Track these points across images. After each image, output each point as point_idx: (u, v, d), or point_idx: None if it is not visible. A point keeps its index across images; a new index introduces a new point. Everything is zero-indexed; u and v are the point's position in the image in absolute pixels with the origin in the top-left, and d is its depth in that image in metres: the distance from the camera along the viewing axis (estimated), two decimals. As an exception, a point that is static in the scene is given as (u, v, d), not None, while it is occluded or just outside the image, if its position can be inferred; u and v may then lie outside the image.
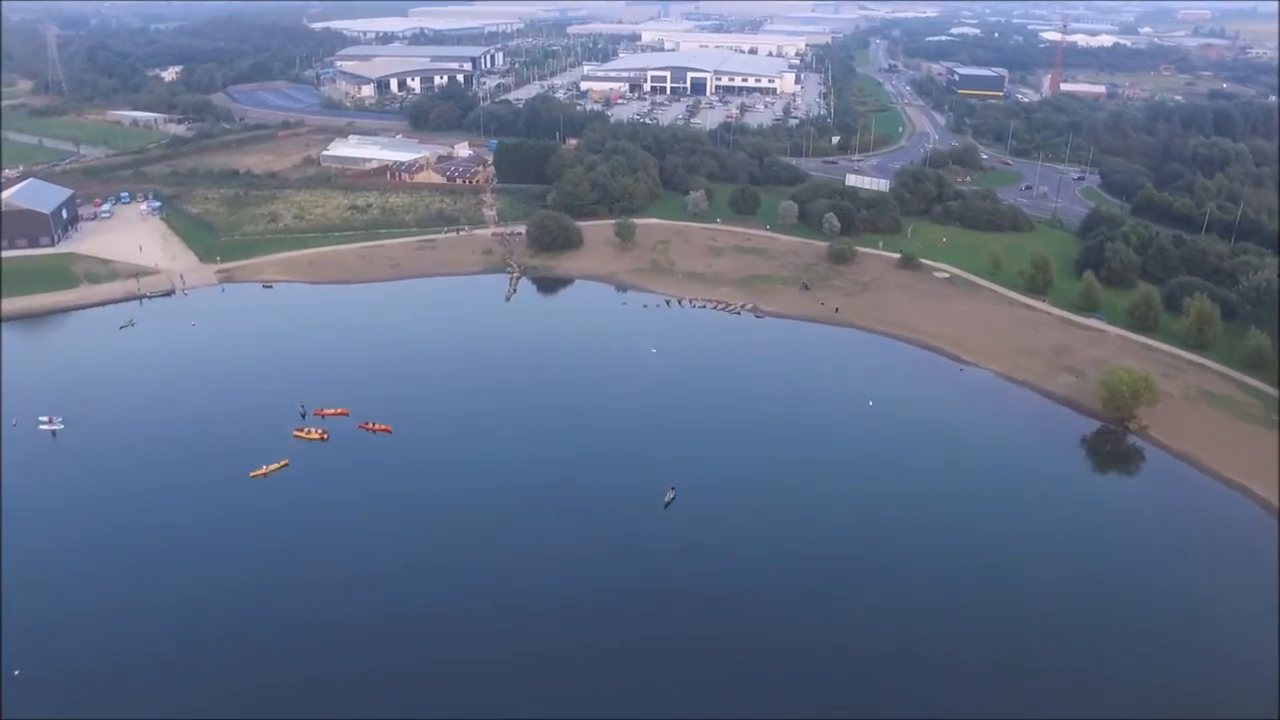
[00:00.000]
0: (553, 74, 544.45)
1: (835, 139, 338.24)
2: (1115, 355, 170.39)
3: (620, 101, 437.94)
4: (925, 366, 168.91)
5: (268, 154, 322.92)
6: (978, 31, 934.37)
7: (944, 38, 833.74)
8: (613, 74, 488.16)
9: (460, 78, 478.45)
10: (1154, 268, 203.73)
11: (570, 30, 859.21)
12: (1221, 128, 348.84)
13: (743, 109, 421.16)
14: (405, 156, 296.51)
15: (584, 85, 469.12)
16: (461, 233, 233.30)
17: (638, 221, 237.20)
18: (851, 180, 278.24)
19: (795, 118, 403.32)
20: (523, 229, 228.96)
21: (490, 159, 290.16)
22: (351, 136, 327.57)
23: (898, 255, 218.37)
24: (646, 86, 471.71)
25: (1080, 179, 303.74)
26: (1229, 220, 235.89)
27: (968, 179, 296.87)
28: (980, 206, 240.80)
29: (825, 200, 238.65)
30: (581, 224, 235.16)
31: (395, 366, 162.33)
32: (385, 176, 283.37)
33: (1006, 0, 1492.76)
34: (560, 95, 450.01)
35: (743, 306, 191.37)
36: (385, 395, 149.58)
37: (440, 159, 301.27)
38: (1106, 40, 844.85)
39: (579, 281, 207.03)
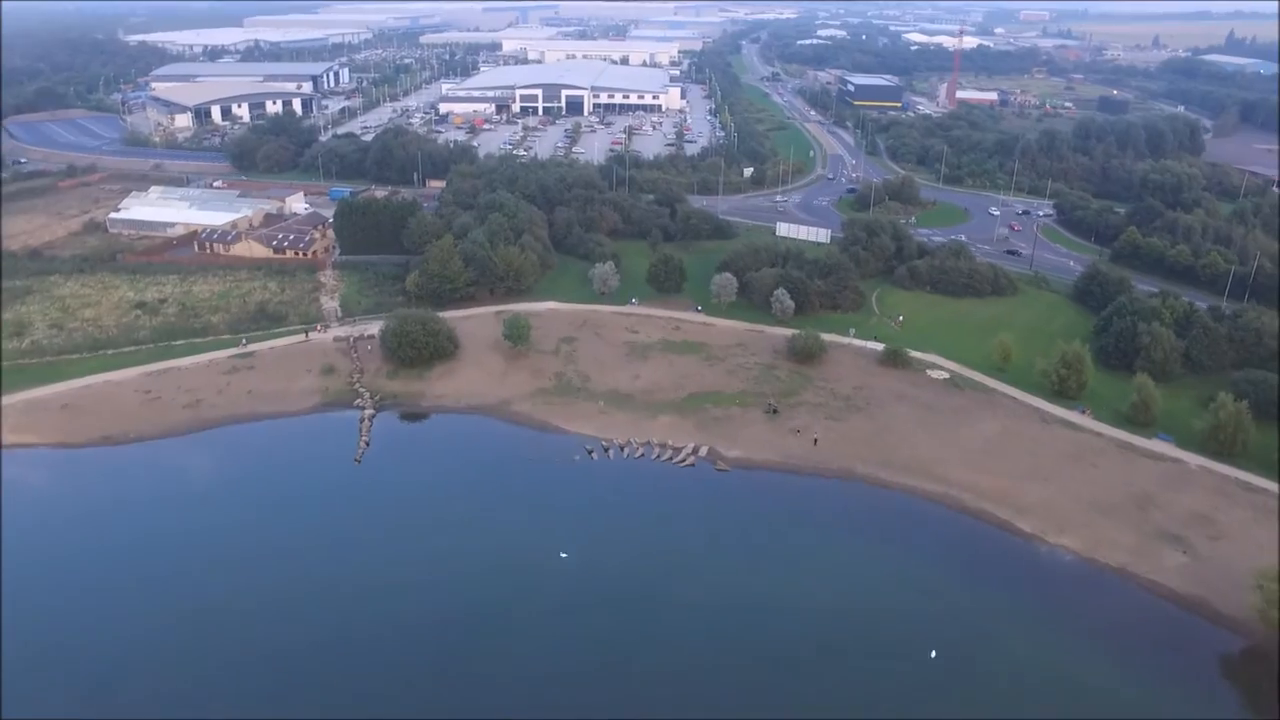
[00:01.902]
0: (406, 92, 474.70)
1: (748, 171, 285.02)
2: (1215, 505, 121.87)
3: (487, 127, 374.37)
4: (974, 547, 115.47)
5: (41, 215, 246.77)
6: (844, 33, 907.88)
7: (815, 41, 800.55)
8: (476, 93, 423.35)
9: (297, 103, 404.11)
10: (1199, 354, 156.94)
11: (424, 40, 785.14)
12: (1153, 145, 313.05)
13: (629, 132, 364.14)
14: (220, 218, 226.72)
15: (444, 108, 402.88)
16: (312, 334, 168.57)
17: (531, 308, 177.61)
18: (784, 230, 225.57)
19: (690, 140, 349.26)
20: (376, 330, 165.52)
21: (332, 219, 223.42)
22: (152, 189, 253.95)
23: (877, 345, 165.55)
24: (515, 107, 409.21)
25: (1027, 213, 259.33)
26: (1224, 270, 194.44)
27: (912, 219, 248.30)
28: (955, 268, 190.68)
29: (769, 269, 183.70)
30: (455, 314, 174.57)
31: (157, 634, 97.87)
32: (192, 248, 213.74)
33: (859, 1, 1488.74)
34: (416, 120, 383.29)
35: (695, 452, 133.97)
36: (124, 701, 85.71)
37: (267, 219, 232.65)
38: (969, 43, 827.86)
39: (457, 417, 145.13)
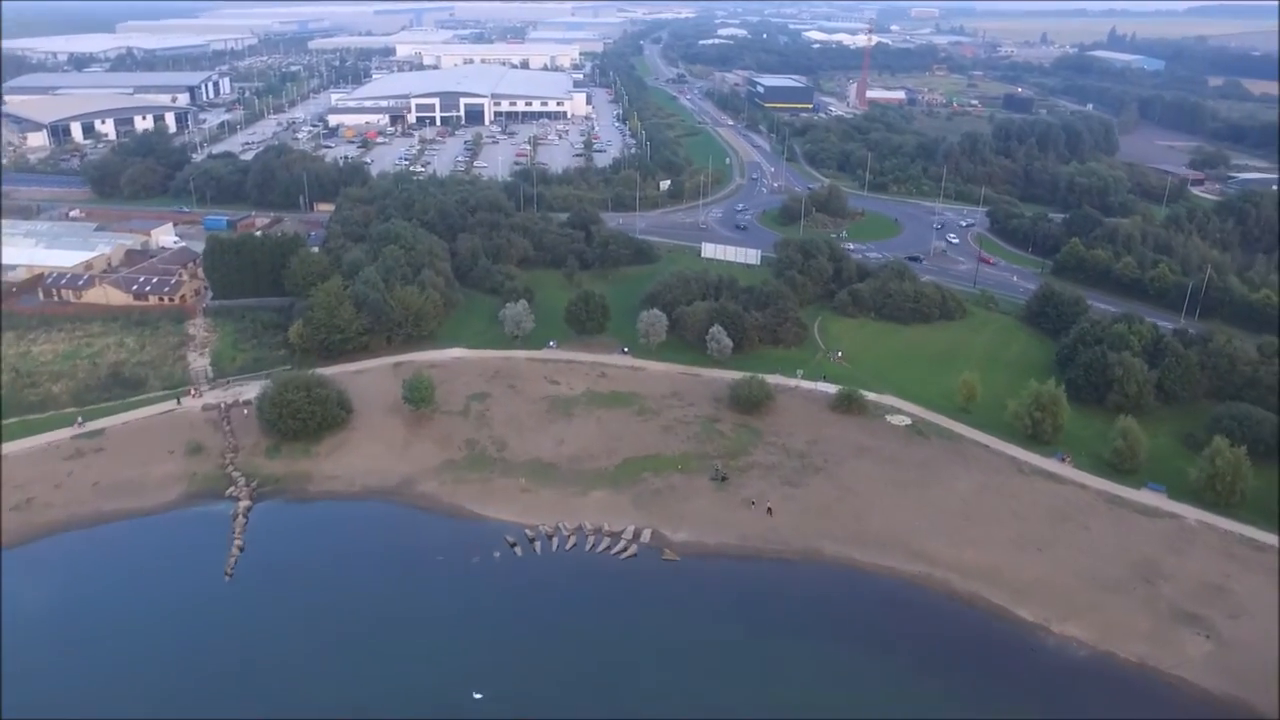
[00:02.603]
0: (293, 103, 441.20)
1: (664, 184, 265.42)
2: (1227, 572, 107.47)
3: (381, 140, 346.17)
4: (971, 642, 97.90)
5: None
6: (745, 33, 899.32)
7: (717, 40, 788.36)
8: (368, 103, 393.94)
9: (171, 118, 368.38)
10: (1173, 384, 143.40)
11: (313, 45, 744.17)
12: (1072, 145, 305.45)
13: (534, 143, 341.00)
14: (72, 257, 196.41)
15: (334, 120, 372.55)
16: (185, 400, 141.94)
17: (435, 357, 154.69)
18: (710, 252, 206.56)
19: (600, 150, 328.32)
20: (254, 393, 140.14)
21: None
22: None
23: (828, 386, 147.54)
24: (411, 117, 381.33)
25: (971, 225, 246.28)
26: (1173, 284, 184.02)
27: (843, 233, 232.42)
28: (900, 291, 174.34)
29: (701, 303, 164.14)
30: (347, 368, 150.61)
31: None
32: (36, 296, 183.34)
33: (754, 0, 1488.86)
34: (304, 134, 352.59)
35: (637, 537, 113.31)
36: None
37: (129, 256, 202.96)
38: (868, 40, 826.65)
39: (352, 505, 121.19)
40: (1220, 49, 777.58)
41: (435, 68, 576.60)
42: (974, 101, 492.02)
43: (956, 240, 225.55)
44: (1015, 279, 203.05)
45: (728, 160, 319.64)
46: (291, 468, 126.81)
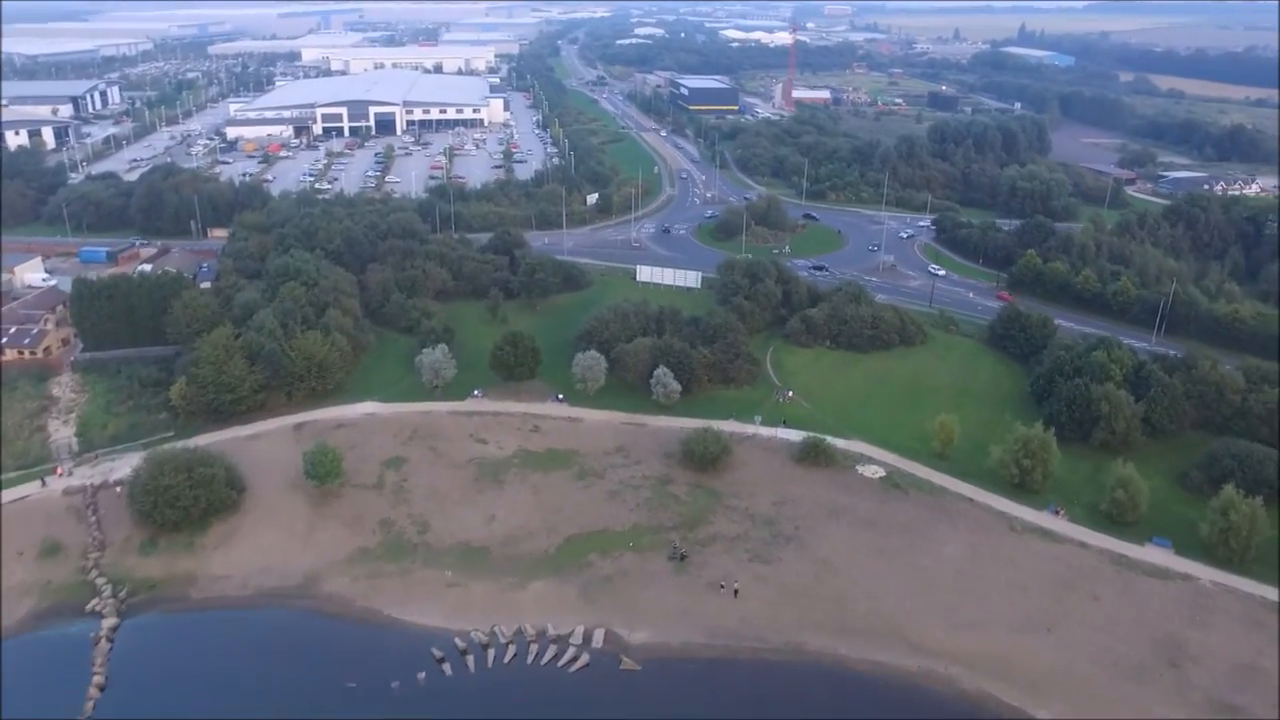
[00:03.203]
0: (189, 114, 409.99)
1: (591, 198, 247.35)
2: (1258, 649, 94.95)
3: (284, 154, 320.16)
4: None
5: None
6: (662, 32, 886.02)
7: (635, 40, 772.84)
8: (270, 113, 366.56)
9: (49, 132, 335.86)
10: (1160, 417, 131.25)
11: (213, 51, 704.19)
12: (1008, 147, 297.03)
13: (450, 154, 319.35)
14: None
15: (232, 132, 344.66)
16: (49, 480, 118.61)
17: (343, 414, 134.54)
18: (646, 275, 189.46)
19: (520, 160, 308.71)
20: (128, 471, 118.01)
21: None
22: None
23: (789, 432, 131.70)
24: (317, 128, 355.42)
25: (905, 232, 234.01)
26: (1136, 298, 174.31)
27: (785, 248, 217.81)
28: (856, 316, 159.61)
29: (642, 340, 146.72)
30: (240, 432, 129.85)
31: None
32: None
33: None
34: (199, 149, 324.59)
35: (588, 641, 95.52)
36: None
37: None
38: (785, 39, 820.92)
39: (246, 615, 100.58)
40: (1123, 45, 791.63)
41: (344, 73, 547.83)
42: (898, 100, 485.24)
43: (893, 259, 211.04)
44: (971, 295, 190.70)
45: (656, 169, 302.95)
46: (171, 568, 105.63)
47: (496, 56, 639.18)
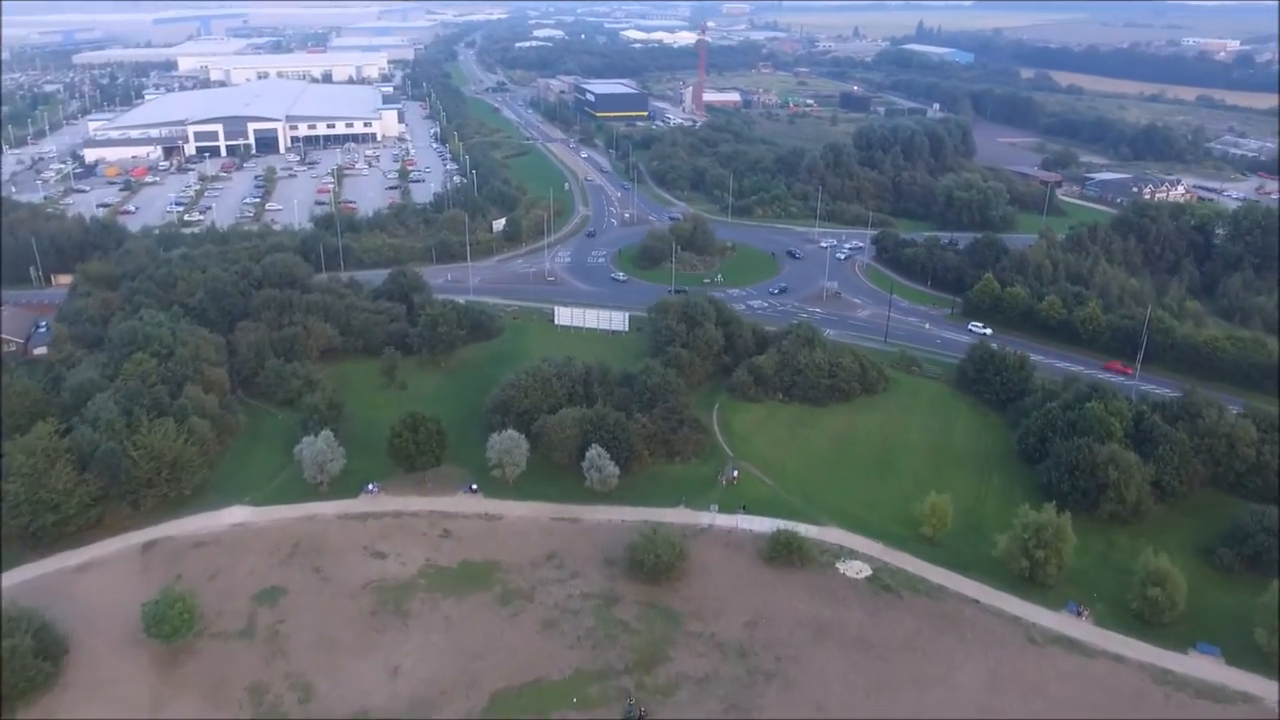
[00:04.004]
0: (42, 134, 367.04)
1: (498, 224, 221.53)
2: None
3: (151, 179, 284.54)
4: None
5: None
6: (561, 33, 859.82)
7: (535, 43, 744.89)
8: (135, 132, 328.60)
9: None
10: (1171, 479, 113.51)
11: (78, 60, 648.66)
12: (935, 151, 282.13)
13: (339, 174, 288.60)
14: None
15: (91, 155, 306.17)
16: None
17: (206, 527, 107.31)
18: (565, 318, 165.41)
19: (418, 179, 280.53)
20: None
21: None
22: None
23: (751, 521, 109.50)
24: (190, 148, 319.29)
25: (843, 251, 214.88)
26: (1107, 326, 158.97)
27: (717, 277, 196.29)
28: (811, 363, 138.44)
29: (569, 411, 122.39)
30: (67, 562, 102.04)
31: None
32: None
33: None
34: (51, 175, 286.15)
35: None
36: None
37: None
38: (687, 38, 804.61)
39: None
40: (1018, 42, 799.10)
41: (224, 84, 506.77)
42: (810, 101, 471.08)
43: (836, 285, 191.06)
44: (927, 326, 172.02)
45: (566, 185, 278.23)
46: (-51, 787, 77.17)
47: (390, 63, 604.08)
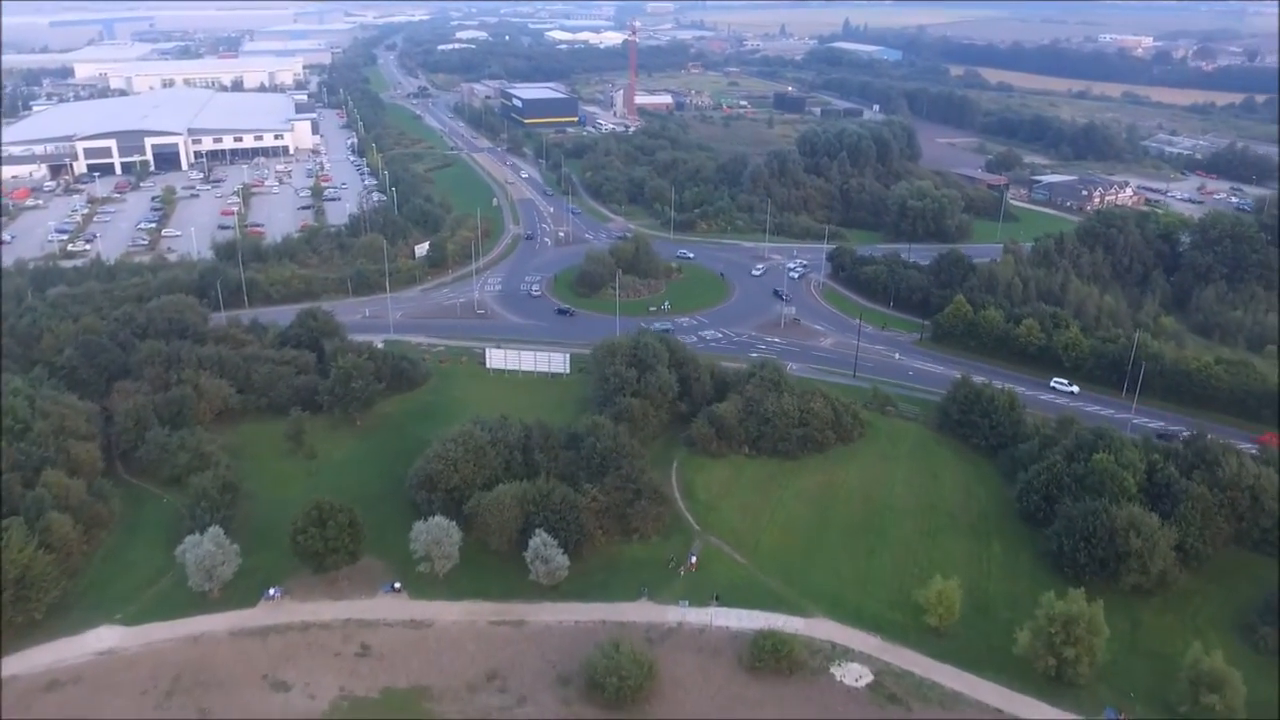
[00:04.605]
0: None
1: (421, 248, 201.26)
2: None
3: (33, 202, 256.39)
4: None
5: None
6: (485, 35, 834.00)
7: (457, 45, 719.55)
8: (18, 148, 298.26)
9: None
10: (1195, 541, 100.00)
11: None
12: (882, 156, 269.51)
13: (246, 194, 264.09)
14: None
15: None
16: None
17: (64, 657, 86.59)
18: (499, 360, 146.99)
19: (333, 196, 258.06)
20: None
21: None
22: None
23: (726, 615, 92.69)
24: (80, 166, 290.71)
25: (796, 271, 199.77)
26: (1090, 351, 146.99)
27: (664, 305, 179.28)
28: (780, 411, 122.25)
29: (506, 487, 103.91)
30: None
31: None
32: None
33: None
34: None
35: None
36: None
37: None
38: (613, 38, 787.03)
39: None
40: (944, 39, 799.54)
41: (124, 93, 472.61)
42: (743, 102, 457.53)
43: (794, 309, 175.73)
44: (898, 356, 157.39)
45: (495, 200, 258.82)
46: None
47: (306, 68, 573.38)
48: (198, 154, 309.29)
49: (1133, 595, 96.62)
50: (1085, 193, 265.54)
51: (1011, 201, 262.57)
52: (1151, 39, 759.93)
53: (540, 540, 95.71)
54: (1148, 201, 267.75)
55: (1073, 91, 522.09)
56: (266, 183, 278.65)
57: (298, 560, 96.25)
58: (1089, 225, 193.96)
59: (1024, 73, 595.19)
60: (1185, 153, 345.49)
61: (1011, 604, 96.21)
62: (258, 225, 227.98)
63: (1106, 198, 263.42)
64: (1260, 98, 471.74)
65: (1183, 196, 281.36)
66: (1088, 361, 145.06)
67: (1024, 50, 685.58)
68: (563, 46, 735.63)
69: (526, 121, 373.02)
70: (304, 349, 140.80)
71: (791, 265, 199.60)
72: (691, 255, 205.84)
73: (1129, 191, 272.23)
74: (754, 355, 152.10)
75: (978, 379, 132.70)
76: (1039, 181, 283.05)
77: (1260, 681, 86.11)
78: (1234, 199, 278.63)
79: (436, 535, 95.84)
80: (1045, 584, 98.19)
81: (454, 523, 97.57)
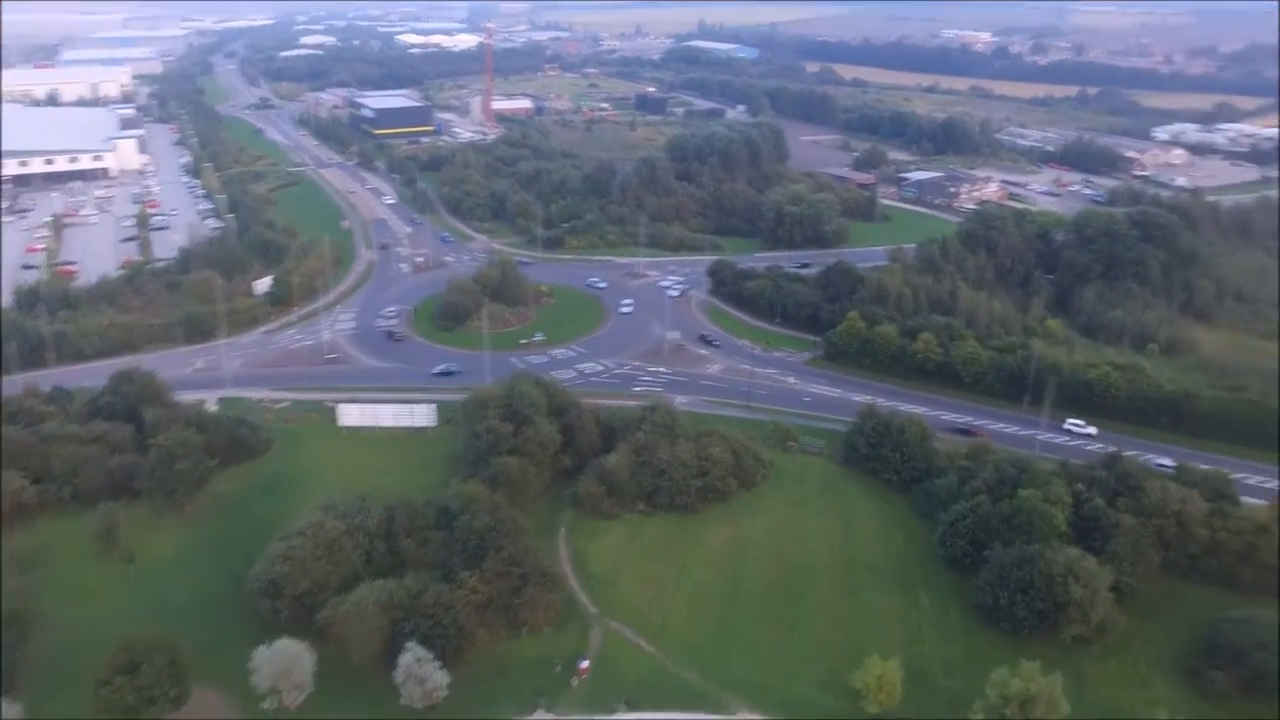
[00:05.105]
0: None
1: (262, 284, 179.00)
2: None
3: None
4: None
5: None
6: (333, 40, 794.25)
7: (302, 51, 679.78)
8: None
9: None
10: (1126, 577, 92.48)
11: None
12: (753, 159, 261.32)
13: (58, 225, 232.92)
14: None
15: None
16: None
17: None
18: (354, 417, 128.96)
19: (161, 225, 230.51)
20: None
21: None
22: None
23: (639, 734, 79.06)
24: None
25: (675, 289, 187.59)
26: (989, 365, 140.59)
27: (535, 336, 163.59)
28: (676, 460, 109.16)
29: (366, 585, 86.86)
30: None
31: None
32: None
33: (336, 1, 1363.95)
34: None
35: None
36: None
37: None
38: (467, 41, 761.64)
39: None
40: (798, 36, 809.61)
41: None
42: (604, 105, 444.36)
43: (678, 334, 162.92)
44: (793, 380, 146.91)
45: (345, 222, 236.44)
46: None
47: (135, 78, 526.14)
48: (1, 180, 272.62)
49: (1073, 646, 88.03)
50: (953, 189, 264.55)
51: (882, 200, 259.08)
52: (990, 35, 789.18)
53: (413, 656, 79.27)
54: (1012, 196, 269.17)
55: (922, 86, 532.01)
56: (83, 211, 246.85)
57: (104, 716, 76.54)
58: (970, 227, 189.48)
59: (875, 68, 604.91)
60: (1037, 145, 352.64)
61: (949, 670, 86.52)
62: (70, 263, 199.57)
63: (974, 193, 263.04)
64: (1092, 90, 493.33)
65: (1041, 190, 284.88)
66: (988, 375, 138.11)
67: (874, 46, 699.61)
68: (415, 50, 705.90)
69: (378, 133, 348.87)
70: (119, 420, 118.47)
71: (668, 283, 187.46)
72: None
73: (994, 186, 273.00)
74: (638, 389, 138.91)
75: (882, 403, 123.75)
76: (906, 179, 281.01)
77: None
78: (1087, 190, 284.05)
79: (283, 665, 78.00)
80: (982, 640, 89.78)
81: (306, 644, 79.89)
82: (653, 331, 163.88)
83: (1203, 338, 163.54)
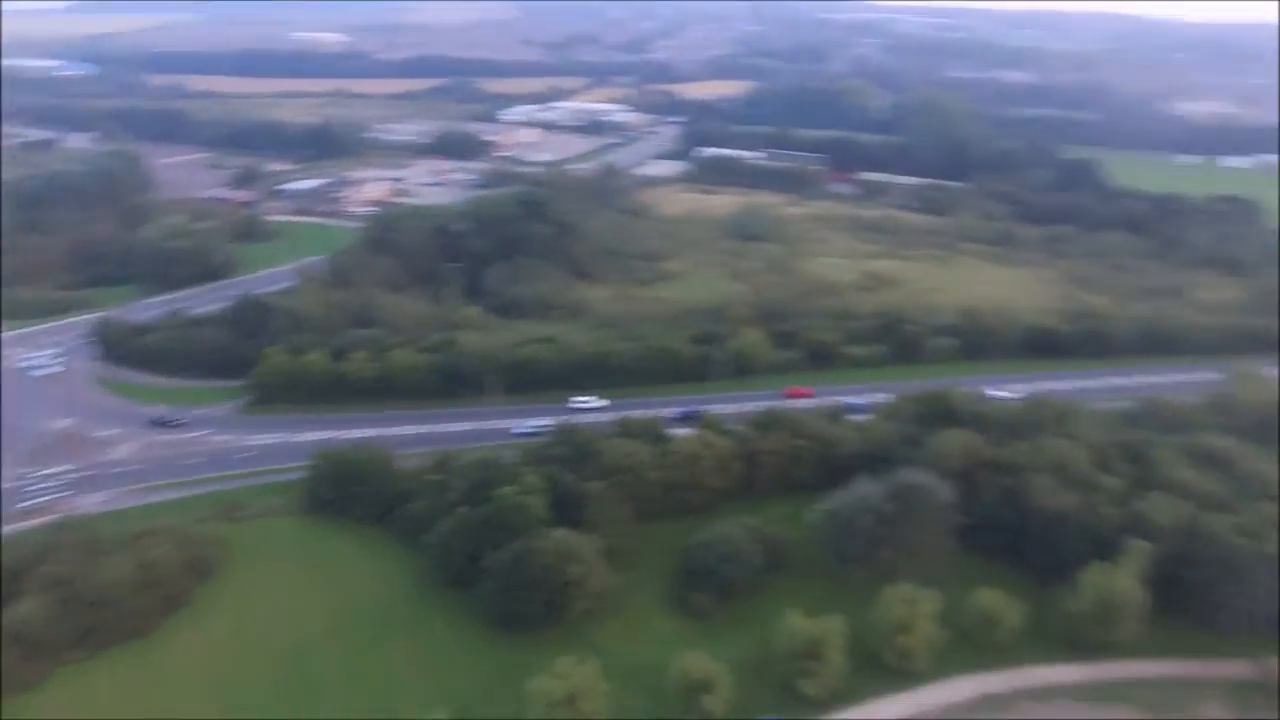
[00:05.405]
0: None
1: None
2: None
3: None
4: None
5: None
6: None
7: None
8: None
9: None
10: (612, 536, 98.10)
11: None
12: (113, 193, 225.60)
13: None
14: None
15: None
16: None
17: None
18: None
19: None
20: None
21: None
22: None
23: None
24: None
25: (46, 366, 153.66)
26: (423, 372, 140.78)
27: None
28: (112, 581, 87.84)
29: None
30: None
31: None
32: None
33: None
34: None
35: None
36: None
37: None
38: None
39: None
40: (134, 48, 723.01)
41: None
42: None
43: (68, 423, 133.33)
44: (227, 437, 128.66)
45: None
46: None
47: None
48: None
49: (586, 621, 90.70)
50: (338, 194, 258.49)
51: (270, 217, 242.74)
52: (341, 35, 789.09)
53: None
54: (399, 192, 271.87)
55: (281, 91, 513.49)
56: None
57: None
58: (370, 232, 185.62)
59: (231, 76, 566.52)
60: (409, 139, 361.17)
61: (487, 695, 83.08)
62: None
63: (362, 195, 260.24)
64: (446, 82, 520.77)
65: (425, 181, 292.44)
66: (430, 379, 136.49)
67: (226, 54, 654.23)
68: None
69: None
70: None
71: (34, 360, 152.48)
72: None
73: (383, 185, 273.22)
74: (27, 504, 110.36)
75: (336, 436, 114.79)
76: (288, 190, 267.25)
77: (711, 646, 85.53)
78: (466, 176, 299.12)
79: None
80: (508, 649, 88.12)
81: None
82: (29, 426, 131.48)
83: (593, 295, 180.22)
